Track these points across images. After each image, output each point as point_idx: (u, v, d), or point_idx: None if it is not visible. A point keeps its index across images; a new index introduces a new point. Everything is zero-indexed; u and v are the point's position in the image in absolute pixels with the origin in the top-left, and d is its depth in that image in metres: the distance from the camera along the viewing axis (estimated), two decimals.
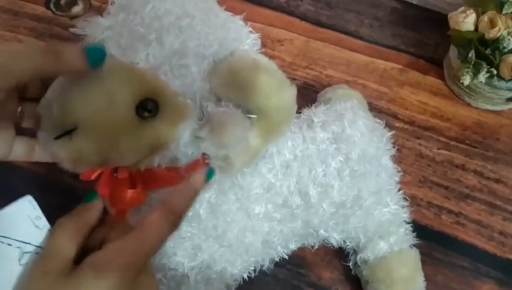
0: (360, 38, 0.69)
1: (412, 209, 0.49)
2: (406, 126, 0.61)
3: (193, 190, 0.32)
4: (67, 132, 0.28)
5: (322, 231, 0.43)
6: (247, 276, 0.44)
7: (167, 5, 0.30)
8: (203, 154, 0.32)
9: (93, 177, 0.33)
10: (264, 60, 0.31)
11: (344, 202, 0.42)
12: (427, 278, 0.47)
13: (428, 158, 0.59)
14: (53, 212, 0.30)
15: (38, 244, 0.28)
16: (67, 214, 0.30)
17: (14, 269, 0.28)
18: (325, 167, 0.40)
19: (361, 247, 0.46)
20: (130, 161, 0.30)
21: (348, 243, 0.47)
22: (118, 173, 0.33)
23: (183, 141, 0.31)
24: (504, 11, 0.56)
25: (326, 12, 0.72)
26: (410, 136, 0.60)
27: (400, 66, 0.66)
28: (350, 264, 0.48)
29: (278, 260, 0.45)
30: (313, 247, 0.47)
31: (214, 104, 0.30)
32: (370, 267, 0.46)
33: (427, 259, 0.51)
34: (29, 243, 0.28)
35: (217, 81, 0.30)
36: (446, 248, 0.52)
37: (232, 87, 0.30)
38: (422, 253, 0.48)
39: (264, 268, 0.45)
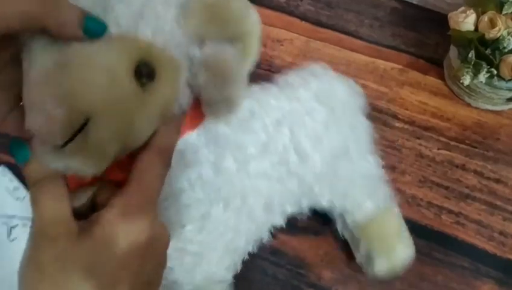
0: (360, 38, 0.69)
1: (412, 209, 0.49)
2: (406, 126, 0.61)
3: (175, 125, 0.30)
4: (80, 129, 0.25)
5: (316, 189, 0.44)
6: (246, 260, 0.45)
7: None
8: (195, 102, 0.32)
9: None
10: None
11: (333, 153, 0.44)
12: (427, 278, 0.47)
13: (428, 158, 0.59)
14: None
15: (23, 215, 0.27)
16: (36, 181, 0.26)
17: (5, 246, 0.26)
18: (312, 120, 0.42)
19: (350, 208, 0.48)
20: (147, 135, 0.28)
21: (337, 206, 0.48)
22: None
23: (183, 96, 0.30)
24: (504, 11, 0.56)
25: (326, 12, 0.72)
26: (410, 136, 0.60)
27: (400, 66, 0.66)
28: (338, 228, 0.50)
29: (275, 261, 0.45)
30: (308, 216, 0.48)
31: (199, 48, 0.29)
32: (360, 226, 0.48)
33: (427, 259, 0.51)
34: (14, 216, 0.27)
35: (194, 22, 0.29)
36: (446, 248, 0.52)
37: (211, 22, 0.29)
38: (422, 253, 0.48)
39: (265, 240, 0.45)
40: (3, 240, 0.27)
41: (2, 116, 0.29)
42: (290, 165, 0.41)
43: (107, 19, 0.26)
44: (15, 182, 0.28)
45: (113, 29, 0.26)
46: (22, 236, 0.27)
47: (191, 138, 0.35)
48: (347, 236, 0.50)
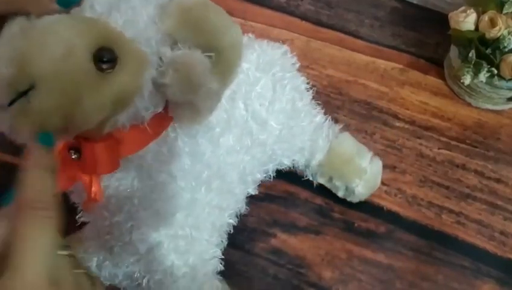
0: (361, 38, 0.69)
1: (412, 208, 0.49)
2: (407, 126, 0.61)
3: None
4: (24, 92, 0.25)
5: (278, 152, 0.48)
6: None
7: None
8: (165, 108, 0.32)
9: (70, 186, 0.32)
10: None
11: (285, 113, 0.47)
12: (428, 278, 0.47)
13: (428, 158, 0.59)
14: None
15: None
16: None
17: None
18: (260, 87, 0.45)
19: (309, 157, 0.52)
20: (94, 120, 0.29)
21: (298, 159, 0.52)
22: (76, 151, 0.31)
23: (146, 92, 0.30)
24: (504, 11, 0.56)
25: (326, 12, 0.72)
26: (410, 136, 0.60)
27: (401, 66, 0.66)
28: (310, 178, 0.53)
29: (276, 260, 0.45)
30: (272, 177, 0.51)
31: (171, 48, 0.30)
32: (326, 164, 0.52)
33: (428, 259, 0.51)
34: None
35: (170, 23, 0.30)
36: (447, 248, 0.52)
37: (187, 26, 0.30)
38: (422, 253, 0.48)
39: (243, 210, 0.48)
40: None
41: None
42: (253, 134, 0.45)
43: (84, 3, 0.28)
44: None
45: (87, 12, 0.28)
46: None
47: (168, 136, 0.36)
48: (323, 181, 0.54)
